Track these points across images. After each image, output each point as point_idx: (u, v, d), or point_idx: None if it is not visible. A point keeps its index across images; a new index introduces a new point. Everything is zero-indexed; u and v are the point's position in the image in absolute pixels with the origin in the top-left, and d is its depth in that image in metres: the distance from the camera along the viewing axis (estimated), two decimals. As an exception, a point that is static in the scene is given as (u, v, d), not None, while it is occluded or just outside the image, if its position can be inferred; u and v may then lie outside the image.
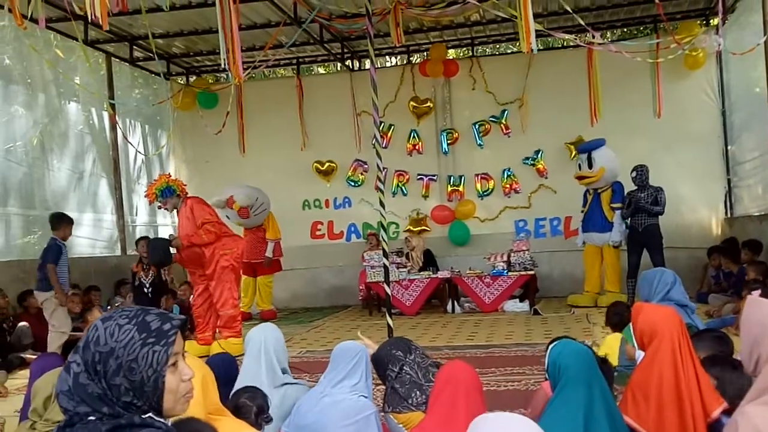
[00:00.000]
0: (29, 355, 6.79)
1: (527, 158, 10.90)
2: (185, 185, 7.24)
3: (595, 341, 5.92)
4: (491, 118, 11.01)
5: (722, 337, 3.69)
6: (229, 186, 9.92)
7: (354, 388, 3.34)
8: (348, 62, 11.84)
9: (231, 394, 3.27)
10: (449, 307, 9.52)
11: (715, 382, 2.86)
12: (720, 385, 2.85)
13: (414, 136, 11.25)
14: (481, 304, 9.30)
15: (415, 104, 11.17)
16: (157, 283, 8.60)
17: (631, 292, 8.49)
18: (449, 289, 9.63)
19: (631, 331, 3.44)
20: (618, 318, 4.78)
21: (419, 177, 11.23)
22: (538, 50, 6.52)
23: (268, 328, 3.76)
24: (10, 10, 6.05)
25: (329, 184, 11.54)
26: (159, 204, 7.11)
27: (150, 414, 1.49)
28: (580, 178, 9.17)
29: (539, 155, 10.84)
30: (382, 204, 7.03)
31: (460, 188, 11.09)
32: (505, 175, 10.96)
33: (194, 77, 12.17)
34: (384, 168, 7.23)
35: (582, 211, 9.34)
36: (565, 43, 9.99)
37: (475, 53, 11.70)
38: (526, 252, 9.37)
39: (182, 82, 12.04)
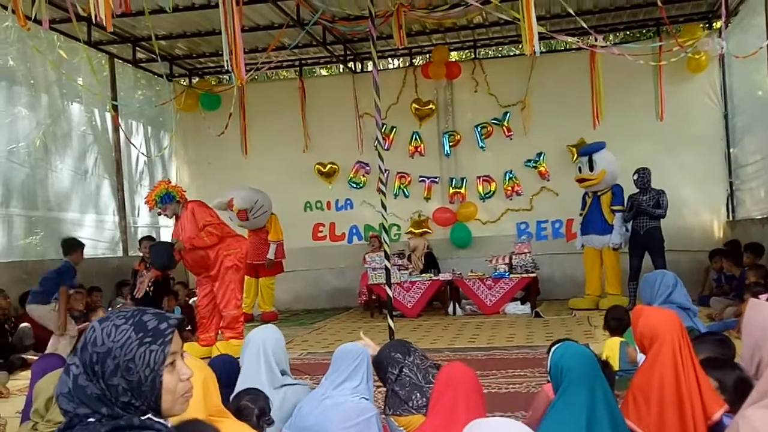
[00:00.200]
0: (31, 356, 6.80)
1: (529, 161, 10.91)
2: (184, 191, 7.25)
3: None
4: (493, 121, 11.02)
5: (724, 340, 3.68)
6: (231, 188, 9.94)
7: (355, 390, 3.34)
8: (350, 64, 11.85)
9: (232, 396, 3.27)
10: (450, 309, 9.52)
11: (716, 384, 2.85)
12: (721, 388, 2.85)
13: (416, 138, 11.26)
14: (483, 307, 9.29)
15: (417, 106, 11.18)
16: (159, 283, 8.59)
17: (633, 294, 8.49)
18: (451, 292, 9.63)
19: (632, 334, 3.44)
20: (616, 322, 4.77)
21: (421, 179, 11.24)
22: (541, 53, 6.54)
23: (267, 329, 3.76)
24: (13, 11, 6.07)
25: (331, 185, 11.55)
26: (159, 210, 7.12)
27: (149, 415, 1.49)
28: (580, 180, 9.17)
29: (541, 158, 10.84)
30: (383, 206, 7.03)
31: (462, 190, 11.10)
32: (507, 178, 10.96)
33: (197, 79, 12.19)
34: (386, 170, 7.26)
35: (581, 214, 9.34)
36: (567, 46, 10.00)
37: (477, 55, 11.72)
38: (528, 254, 9.37)
39: (185, 83, 12.07)
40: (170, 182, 7.46)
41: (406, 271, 9.61)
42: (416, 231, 10.99)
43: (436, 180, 11.26)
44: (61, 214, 9.28)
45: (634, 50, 8.93)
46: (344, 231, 11.58)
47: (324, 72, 15.28)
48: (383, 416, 3.60)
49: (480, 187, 11.08)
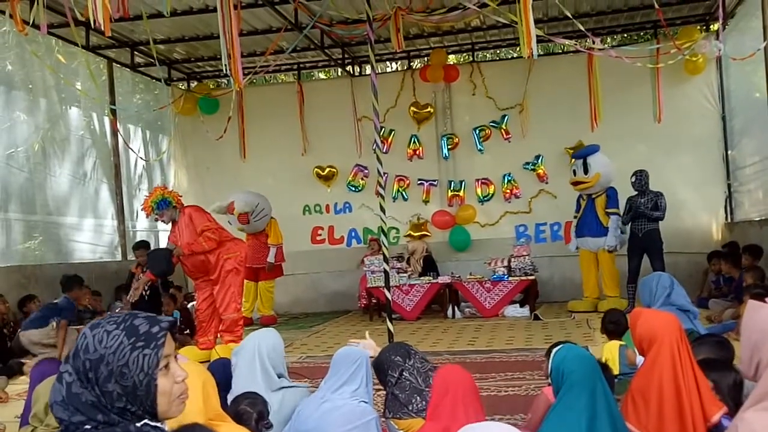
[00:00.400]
0: (29, 361, 6.78)
1: (527, 163, 10.91)
2: (181, 196, 7.23)
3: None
4: (491, 124, 11.03)
5: (723, 342, 3.69)
6: (230, 192, 9.93)
7: (354, 393, 3.34)
8: (349, 68, 11.87)
9: (230, 400, 3.27)
10: (450, 312, 9.51)
11: (711, 385, 2.86)
12: (716, 389, 2.85)
13: (414, 141, 11.27)
14: (482, 309, 9.29)
15: (415, 109, 11.19)
16: (155, 287, 8.58)
17: (632, 297, 8.49)
18: (450, 294, 9.62)
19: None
20: (613, 326, 4.77)
21: (420, 182, 11.24)
22: (539, 56, 6.53)
23: (263, 333, 3.77)
24: (11, 16, 6.08)
25: (330, 189, 11.55)
26: (156, 216, 7.11)
27: (146, 421, 1.48)
28: (575, 183, 9.19)
29: (539, 160, 10.85)
30: (382, 209, 7.03)
31: (461, 193, 11.10)
32: (506, 180, 10.97)
33: (195, 83, 12.20)
34: (384, 173, 7.25)
35: (575, 216, 9.36)
36: (565, 49, 10.00)
37: (475, 58, 11.73)
38: (527, 257, 9.36)
39: (183, 87, 12.07)
40: (166, 188, 7.45)
41: (405, 274, 9.60)
42: (415, 234, 10.99)
43: (435, 183, 11.26)
44: (59, 219, 9.27)
45: (632, 53, 8.95)
46: (343, 234, 11.58)
47: (322, 75, 15.30)
48: (383, 419, 3.60)
49: (478, 190, 11.08)
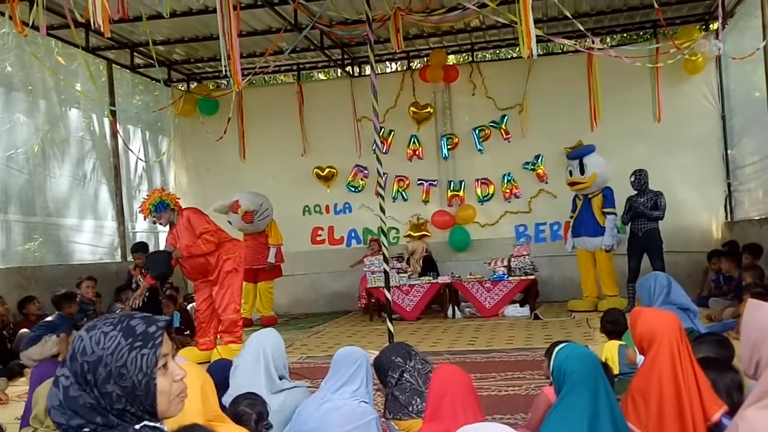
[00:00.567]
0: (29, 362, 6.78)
1: (527, 163, 10.91)
2: (178, 198, 7.22)
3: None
4: (491, 124, 11.03)
5: (723, 341, 3.69)
6: (232, 192, 9.93)
7: (355, 393, 3.34)
8: (348, 68, 11.87)
9: (230, 402, 3.27)
10: (450, 312, 9.51)
11: (709, 383, 2.86)
12: (714, 388, 2.85)
13: (414, 142, 11.27)
14: (482, 309, 9.29)
15: (415, 110, 11.19)
16: (154, 289, 8.58)
17: (631, 296, 8.49)
18: (450, 294, 9.62)
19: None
20: (612, 326, 4.76)
21: (419, 182, 11.24)
22: (538, 55, 6.53)
23: (267, 333, 3.76)
24: (10, 18, 6.08)
25: (329, 189, 11.55)
26: (153, 219, 7.11)
27: (145, 422, 1.48)
28: (572, 184, 9.21)
29: (539, 160, 10.85)
30: (382, 209, 7.03)
31: (461, 193, 11.10)
32: (505, 180, 10.97)
33: (195, 84, 12.20)
34: (384, 173, 7.24)
35: (571, 217, 9.37)
36: (564, 49, 9.99)
37: (475, 59, 11.72)
38: (527, 257, 9.36)
39: (183, 88, 12.07)
40: (164, 190, 7.44)
41: (405, 275, 9.60)
42: (415, 234, 10.99)
43: (435, 183, 11.26)
44: (59, 220, 9.27)
45: (631, 52, 8.95)
46: (343, 235, 11.58)
47: (322, 76, 15.31)
48: (383, 420, 3.60)
49: (478, 190, 11.08)
